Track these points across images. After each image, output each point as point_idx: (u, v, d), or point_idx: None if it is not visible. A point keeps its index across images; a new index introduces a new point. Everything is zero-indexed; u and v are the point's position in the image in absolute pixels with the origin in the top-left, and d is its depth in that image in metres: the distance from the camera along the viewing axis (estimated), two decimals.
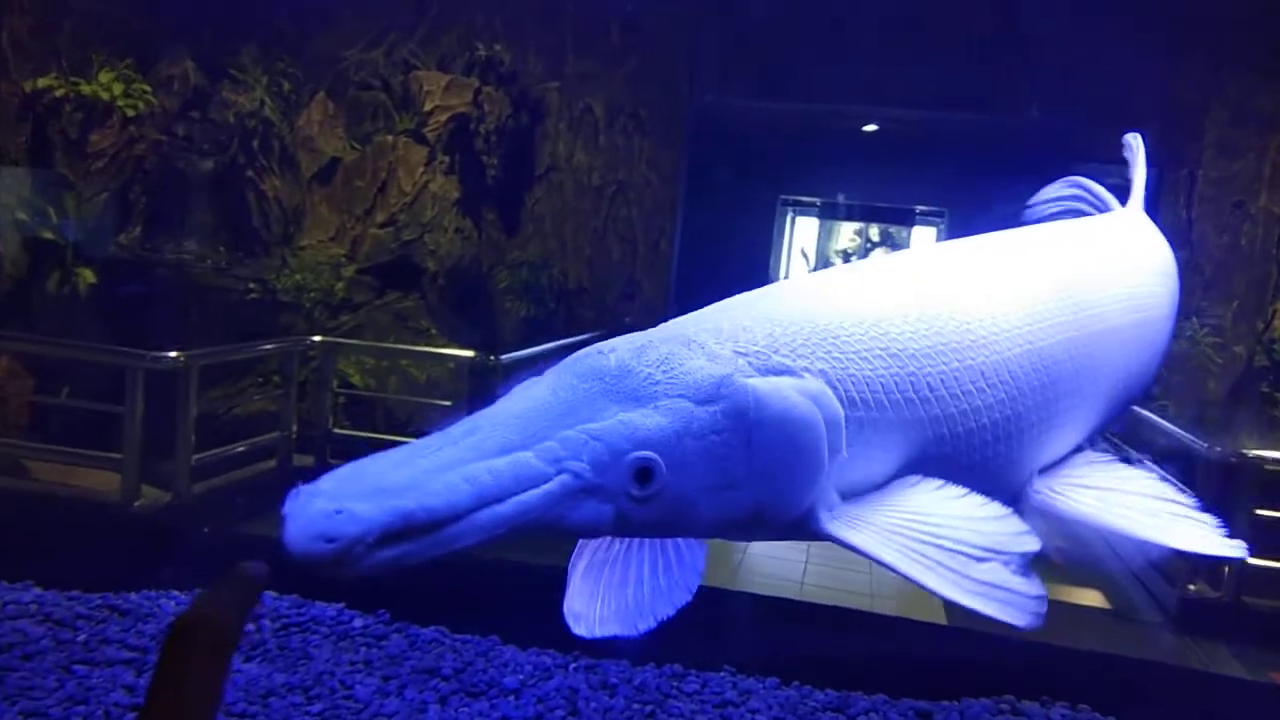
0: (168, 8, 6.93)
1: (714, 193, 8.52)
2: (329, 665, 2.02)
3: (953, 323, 1.28)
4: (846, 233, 16.14)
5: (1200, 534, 1.23)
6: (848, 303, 1.28)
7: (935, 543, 1.12)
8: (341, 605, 2.32)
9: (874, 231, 16.12)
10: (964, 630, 2.45)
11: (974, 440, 1.27)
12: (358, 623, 2.25)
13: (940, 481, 1.20)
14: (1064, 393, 1.38)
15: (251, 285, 6.73)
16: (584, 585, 1.35)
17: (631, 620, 1.33)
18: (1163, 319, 1.79)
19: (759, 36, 7.24)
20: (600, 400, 1.08)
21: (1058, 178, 8.20)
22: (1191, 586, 4.36)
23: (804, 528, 1.16)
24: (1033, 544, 1.13)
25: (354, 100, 7.24)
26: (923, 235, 14.50)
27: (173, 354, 4.28)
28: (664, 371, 1.11)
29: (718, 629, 2.33)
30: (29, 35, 6.42)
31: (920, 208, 12.94)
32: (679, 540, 1.36)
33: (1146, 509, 1.26)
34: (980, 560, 1.10)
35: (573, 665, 2.16)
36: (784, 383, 1.14)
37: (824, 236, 15.61)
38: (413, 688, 1.96)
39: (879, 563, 1.11)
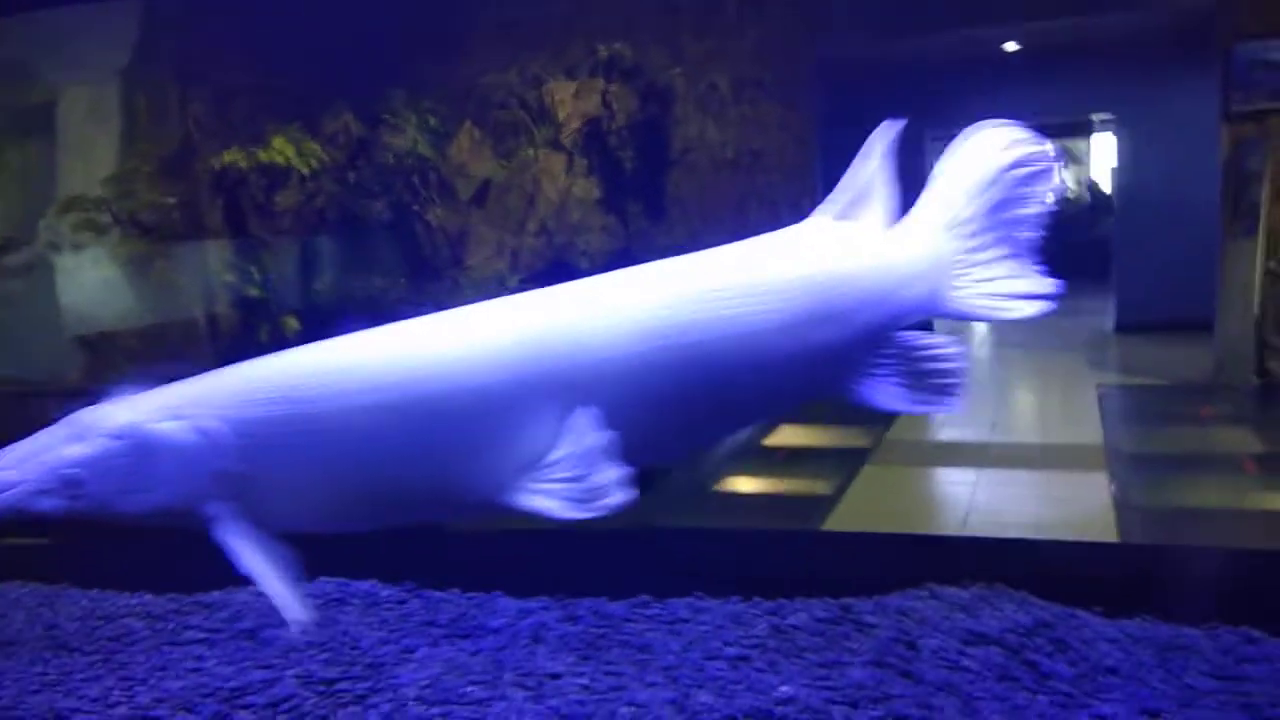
0: (321, 69, 7.61)
1: (855, 144, 8.45)
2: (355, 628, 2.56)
3: (366, 372, 1.83)
4: None
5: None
6: (272, 366, 1.89)
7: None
8: (375, 580, 2.85)
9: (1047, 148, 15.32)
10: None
11: (389, 461, 1.79)
12: (385, 593, 2.79)
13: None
14: (518, 423, 1.79)
15: (431, 308, 7.32)
16: None
17: None
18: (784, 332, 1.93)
19: None
20: (62, 440, 1.82)
21: (1219, 62, 7.60)
22: None
23: (194, 519, 1.79)
24: (302, 616, 1.79)
25: (496, 122, 7.71)
26: (1103, 143, 13.70)
27: None
28: (98, 420, 1.82)
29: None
30: (209, 118, 7.24)
31: (1096, 116, 12.26)
32: None
33: None
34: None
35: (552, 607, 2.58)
36: (175, 424, 1.78)
37: None
38: (412, 636, 2.49)
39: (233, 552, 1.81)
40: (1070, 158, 14.15)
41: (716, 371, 1.87)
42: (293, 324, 7.14)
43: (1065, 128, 12.68)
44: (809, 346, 1.94)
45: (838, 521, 4.74)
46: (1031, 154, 2.16)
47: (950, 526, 4.89)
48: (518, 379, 1.80)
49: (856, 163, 2.21)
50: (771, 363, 1.91)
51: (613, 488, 1.72)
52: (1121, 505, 4.82)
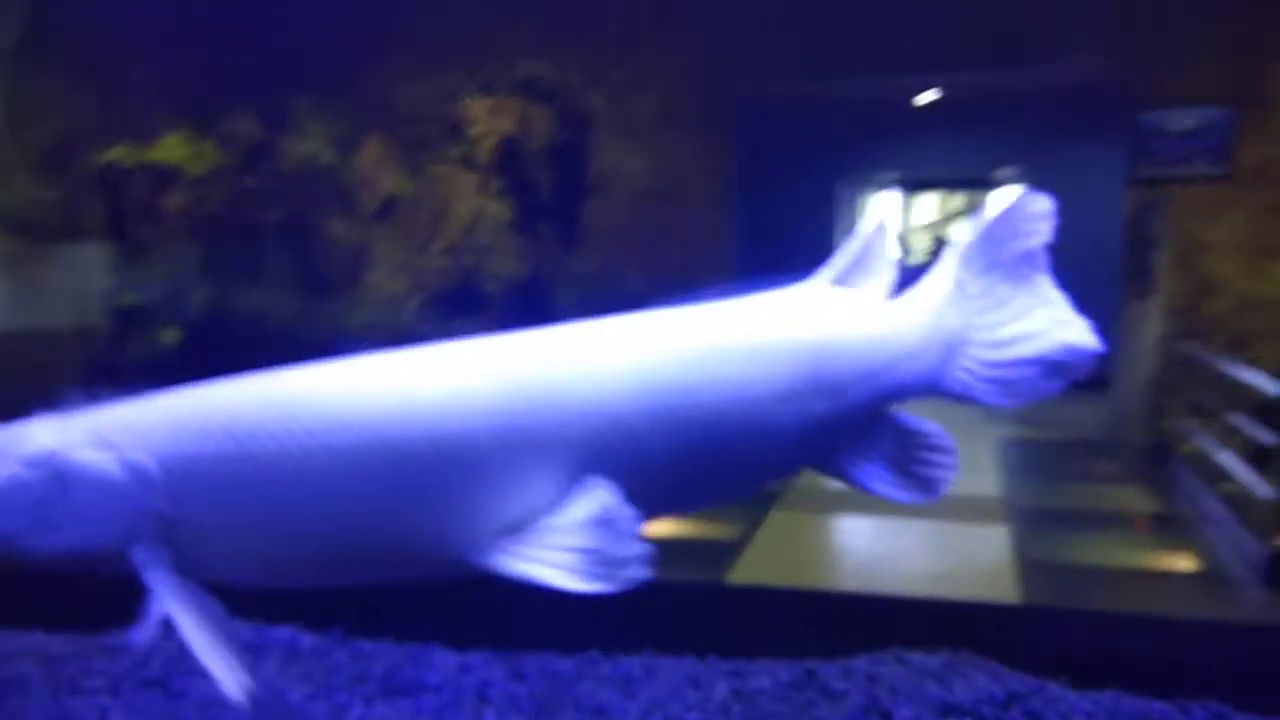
0: (223, 66, 7.23)
1: (771, 184, 8.45)
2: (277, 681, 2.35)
3: (319, 410, 1.55)
4: (928, 206, 15.80)
5: None
6: (214, 396, 1.61)
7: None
8: (297, 627, 2.62)
9: (957, 201, 15.75)
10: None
11: (341, 511, 1.54)
12: (307, 641, 2.58)
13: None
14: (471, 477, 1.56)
15: (324, 326, 6.97)
16: None
17: None
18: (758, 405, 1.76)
19: (797, 19, 7.16)
20: None
21: (1123, 129, 7.73)
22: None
23: (119, 564, 1.53)
24: (242, 686, 1.48)
25: (406, 134, 7.42)
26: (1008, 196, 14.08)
27: None
28: (12, 442, 1.54)
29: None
30: (98, 112, 6.78)
31: (998, 172, 12.57)
32: None
33: None
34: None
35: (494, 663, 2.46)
36: (100, 454, 1.52)
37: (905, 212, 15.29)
38: (341, 692, 2.29)
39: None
40: (977, 211, 14.47)
41: (711, 435, 1.69)
42: (171, 335, 6.70)
43: (972, 181, 12.98)
44: (804, 416, 1.79)
45: (743, 568, 4.64)
46: (1029, 212, 1.95)
47: (854, 576, 4.85)
48: (502, 428, 1.56)
49: (859, 228, 2.06)
50: (766, 429, 1.75)
51: (635, 563, 1.55)
52: (1022, 560, 4.83)
